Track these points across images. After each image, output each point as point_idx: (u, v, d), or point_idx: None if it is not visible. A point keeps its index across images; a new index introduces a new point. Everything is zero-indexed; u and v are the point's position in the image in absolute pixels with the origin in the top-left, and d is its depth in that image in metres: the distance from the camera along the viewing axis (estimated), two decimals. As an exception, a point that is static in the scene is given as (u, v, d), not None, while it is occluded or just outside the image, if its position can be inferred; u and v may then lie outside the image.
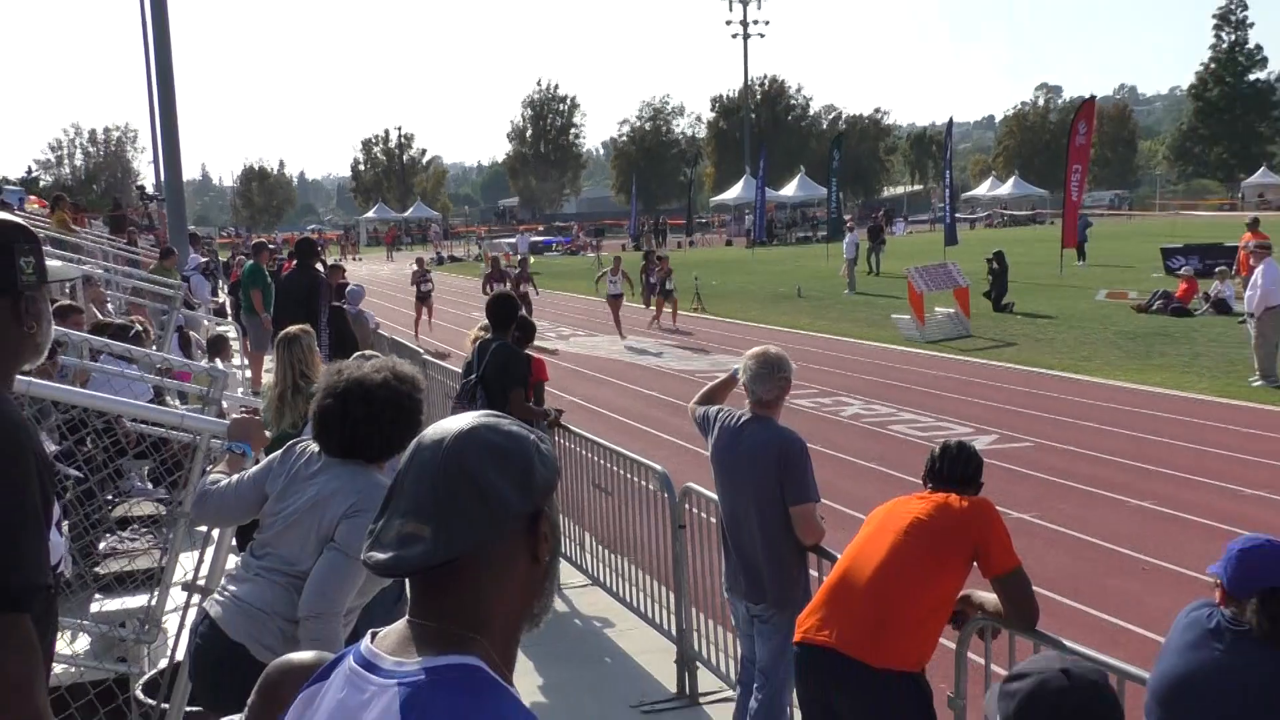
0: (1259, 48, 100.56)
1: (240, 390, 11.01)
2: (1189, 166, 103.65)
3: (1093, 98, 40.87)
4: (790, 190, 79.29)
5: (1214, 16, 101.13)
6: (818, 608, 4.33)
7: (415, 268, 27.11)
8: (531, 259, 28.68)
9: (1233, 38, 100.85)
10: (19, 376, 3.74)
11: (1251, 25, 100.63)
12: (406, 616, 1.60)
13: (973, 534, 4.19)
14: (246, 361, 16.16)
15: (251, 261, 17.18)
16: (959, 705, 4.59)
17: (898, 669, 4.10)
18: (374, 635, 1.61)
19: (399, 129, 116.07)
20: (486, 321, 8.60)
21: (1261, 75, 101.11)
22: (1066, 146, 35.68)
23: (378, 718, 1.48)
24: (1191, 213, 72.92)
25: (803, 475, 5.13)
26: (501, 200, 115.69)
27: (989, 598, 4.37)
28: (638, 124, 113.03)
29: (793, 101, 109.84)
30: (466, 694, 1.48)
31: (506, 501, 1.55)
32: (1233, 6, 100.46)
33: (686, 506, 6.68)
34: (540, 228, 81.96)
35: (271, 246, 25.06)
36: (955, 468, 4.41)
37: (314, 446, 3.90)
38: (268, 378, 8.40)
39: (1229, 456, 12.11)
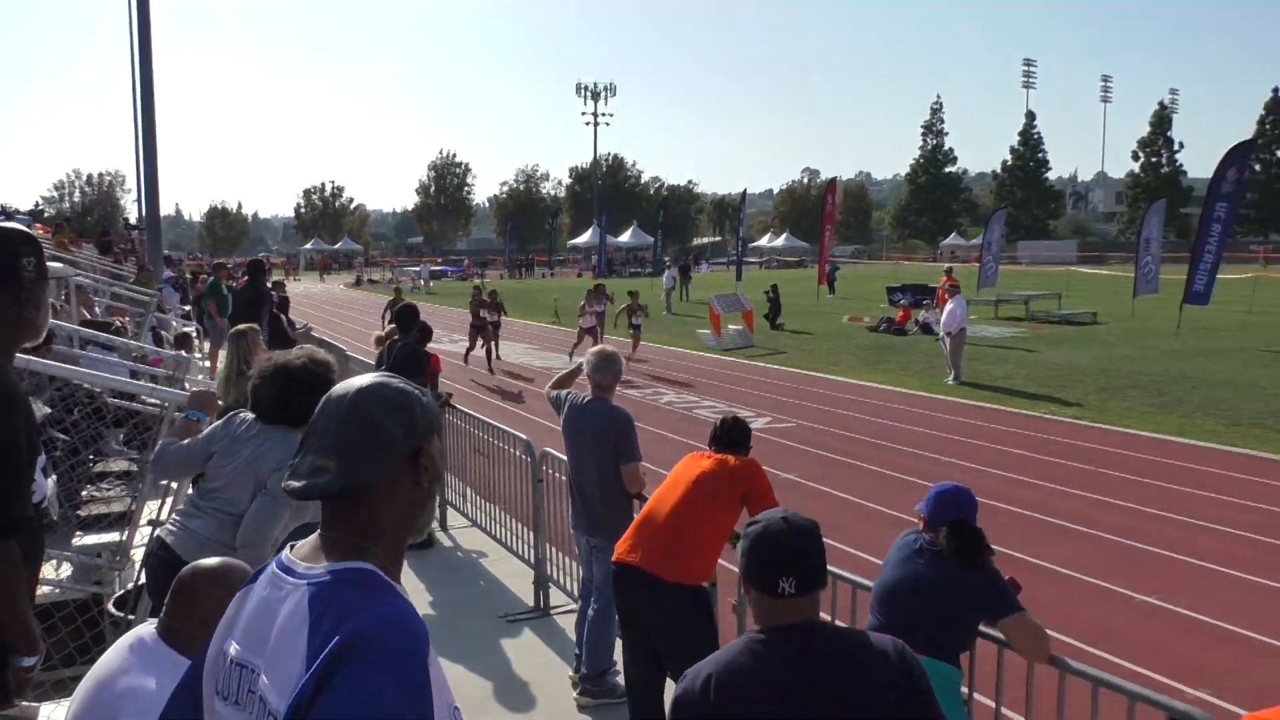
0: (951, 150, 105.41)
1: (200, 376, 10.46)
2: (906, 230, 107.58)
3: (835, 179, 42.10)
4: (626, 237, 79.79)
5: (922, 126, 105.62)
6: (629, 536, 4.32)
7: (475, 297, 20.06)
8: (489, 286, 26.49)
9: (934, 142, 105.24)
10: (21, 355, 3.55)
11: (946, 134, 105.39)
12: (318, 531, 1.54)
13: (741, 485, 4.25)
14: (207, 354, 15.43)
15: (213, 278, 16.44)
16: (741, 610, 4.58)
17: (686, 582, 4.12)
18: (292, 546, 1.58)
19: (332, 182, 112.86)
20: (394, 325, 8.44)
21: (953, 169, 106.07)
22: (821, 212, 36.58)
23: (291, 609, 1.45)
24: (907, 263, 75.82)
25: (630, 441, 5.12)
26: (410, 238, 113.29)
27: None
28: (514, 185, 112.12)
29: (629, 173, 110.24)
30: (360, 590, 1.44)
31: (395, 440, 1.52)
32: (934, 120, 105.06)
33: (544, 467, 6.58)
34: (439, 260, 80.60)
35: (229, 266, 23.89)
36: (731, 435, 4.46)
37: (250, 415, 3.77)
38: (221, 366, 8.09)
39: (928, 432, 12.49)
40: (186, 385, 6.84)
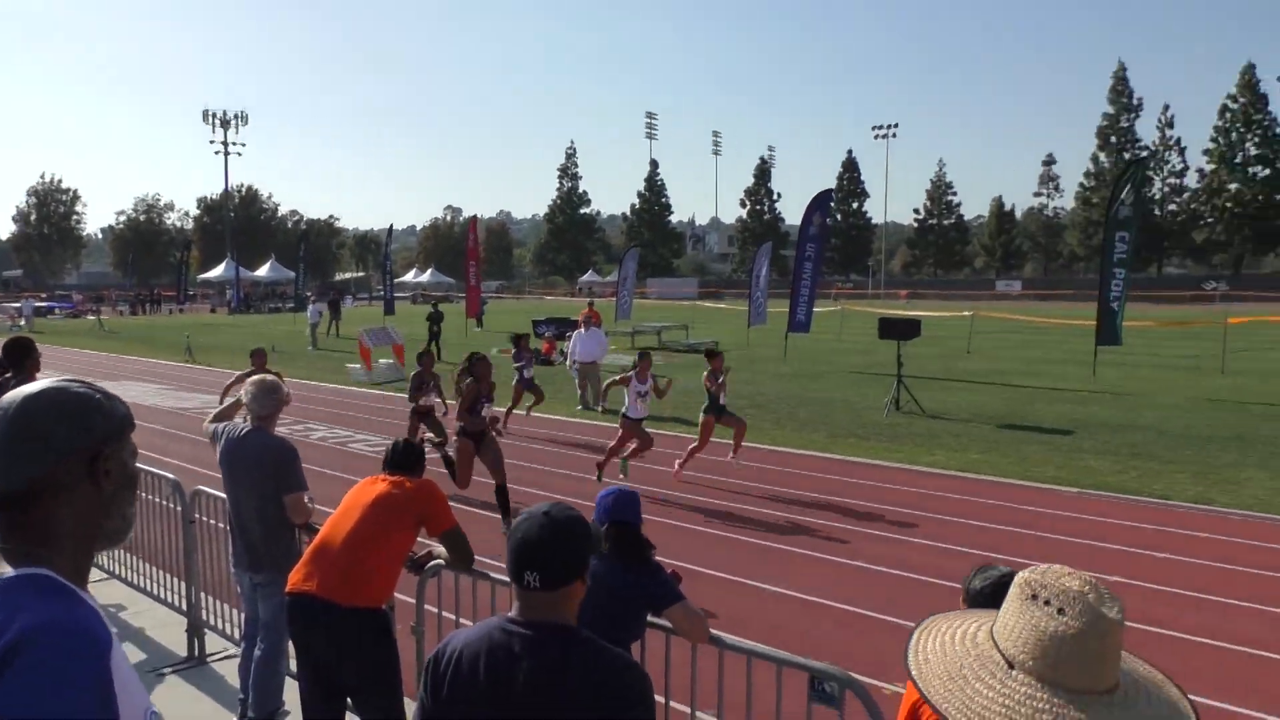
0: (585, 192, 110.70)
1: None
2: (546, 267, 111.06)
3: (475, 217, 42.57)
4: (263, 271, 75.50)
5: (558, 170, 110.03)
6: (304, 565, 4.15)
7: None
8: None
9: (570, 185, 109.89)
10: None
11: (580, 177, 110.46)
12: None
13: (415, 507, 4.23)
14: None
15: None
16: (419, 632, 4.54)
17: (365, 606, 4.02)
18: None
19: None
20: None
21: (588, 210, 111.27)
22: (465, 248, 36.82)
23: None
24: (549, 297, 78.18)
25: (293, 470, 4.91)
26: (5, 271, 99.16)
27: (440, 549, 4.41)
28: (134, 215, 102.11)
29: (264, 205, 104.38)
30: (33, 594, 1.39)
31: (62, 444, 1.47)
32: (569, 164, 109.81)
33: (195, 511, 6.10)
34: (44, 295, 71.21)
35: None
36: (403, 458, 4.43)
37: None
38: None
39: (566, 453, 13.02)
40: None
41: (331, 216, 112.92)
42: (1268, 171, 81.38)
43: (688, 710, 3.78)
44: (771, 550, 8.54)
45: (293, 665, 4.48)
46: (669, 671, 3.78)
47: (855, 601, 7.15)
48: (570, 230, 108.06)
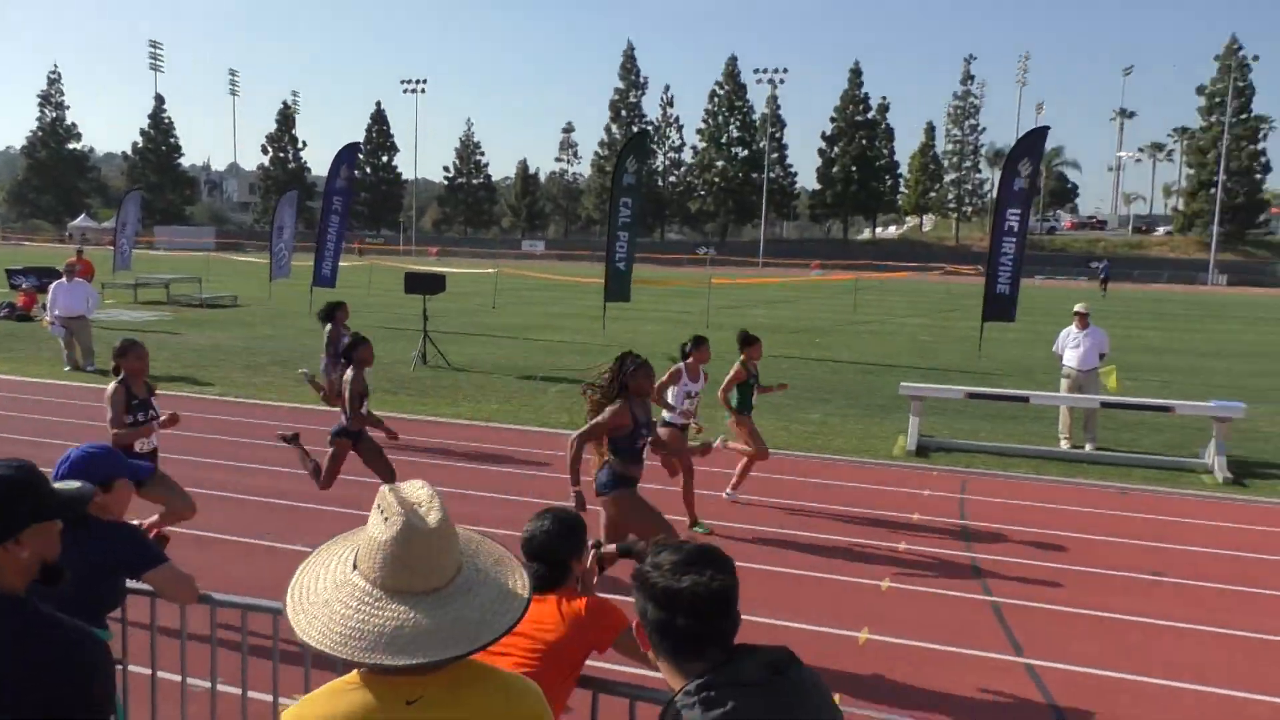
0: (74, 125, 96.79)
1: None
2: (26, 209, 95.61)
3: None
4: None
5: (38, 95, 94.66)
6: None
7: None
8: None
9: (55, 115, 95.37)
10: None
11: (68, 107, 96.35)
12: None
13: None
14: None
15: None
16: None
17: None
18: None
19: None
20: None
21: (78, 146, 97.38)
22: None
23: None
24: (30, 243, 67.61)
25: None
26: None
27: None
28: None
29: None
30: None
31: None
32: (52, 91, 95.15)
33: None
34: None
35: None
36: None
37: None
38: None
39: (53, 420, 11.54)
40: None
41: None
42: (746, 152, 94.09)
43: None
44: (276, 507, 8.28)
45: None
46: (154, 643, 3.54)
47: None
48: (56, 167, 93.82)
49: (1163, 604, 6.56)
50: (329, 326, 11.26)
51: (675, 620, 1.89)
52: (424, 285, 17.71)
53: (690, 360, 8.37)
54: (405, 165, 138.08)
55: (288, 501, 8.51)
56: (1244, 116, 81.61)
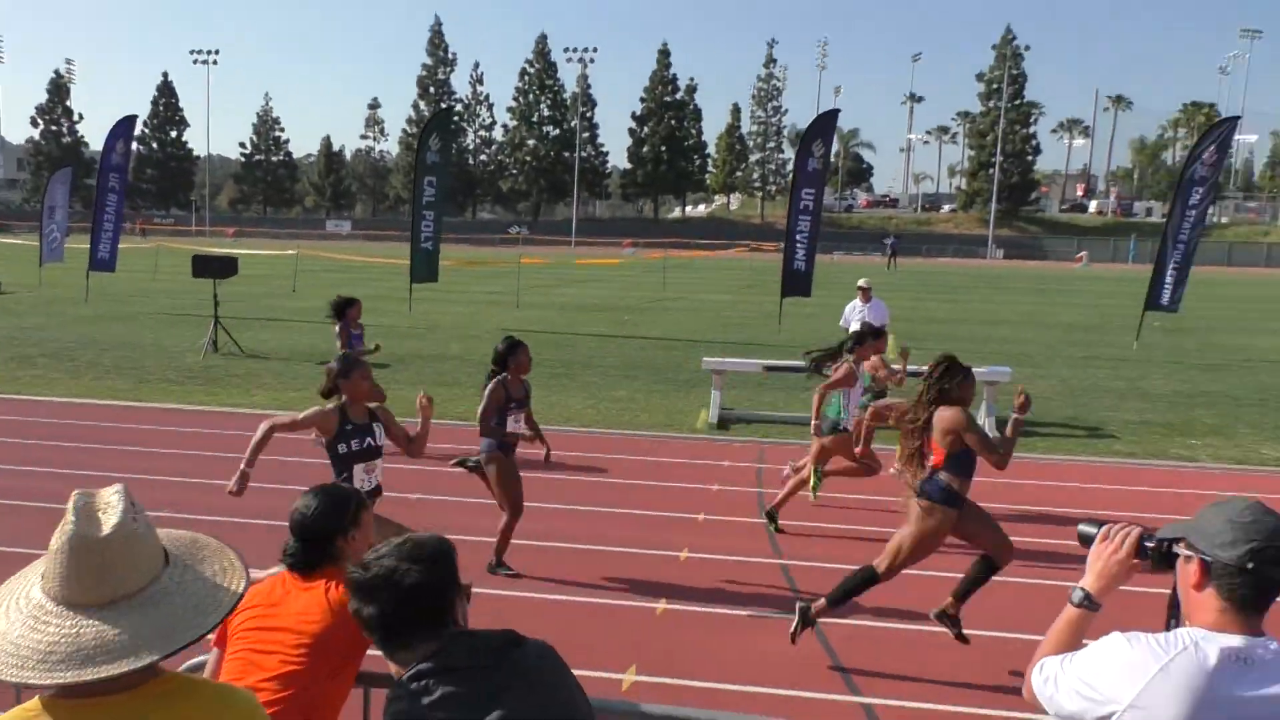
0: None
1: None
2: None
3: None
4: None
5: None
6: None
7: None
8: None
9: None
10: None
11: None
12: None
13: None
14: None
15: None
16: None
17: None
18: None
19: None
20: None
21: None
22: None
23: None
24: None
25: None
26: None
27: None
28: None
29: None
30: None
31: None
32: None
33: None
34: None
35: None
36: None
37: None
38: None
39: None
40: None
41: None
42: (558, 131, 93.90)
43: None
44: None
45: None
46: None
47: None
48: None
49: (936, 556, 7.03)
50: (339, 325, 10.00)
51: (376, 613, 1.94)
52: (213, 268, 16.76)
53: (866, 352, 7.96)
54: (197, 141, 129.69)
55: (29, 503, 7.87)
56: (1018, 102, 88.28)
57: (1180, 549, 1.96)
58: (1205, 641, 1.84)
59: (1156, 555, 2.03)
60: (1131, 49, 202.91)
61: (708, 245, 64.50)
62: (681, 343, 19.20)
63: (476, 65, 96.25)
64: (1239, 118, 28.40)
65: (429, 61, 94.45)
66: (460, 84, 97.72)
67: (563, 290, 32.59)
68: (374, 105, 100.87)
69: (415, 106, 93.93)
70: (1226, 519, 1.91)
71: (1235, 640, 1.83)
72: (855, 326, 12.61)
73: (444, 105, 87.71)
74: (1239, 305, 33.79)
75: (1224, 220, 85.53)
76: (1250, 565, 1.83)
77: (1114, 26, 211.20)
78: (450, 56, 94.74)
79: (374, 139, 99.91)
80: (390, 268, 36.12)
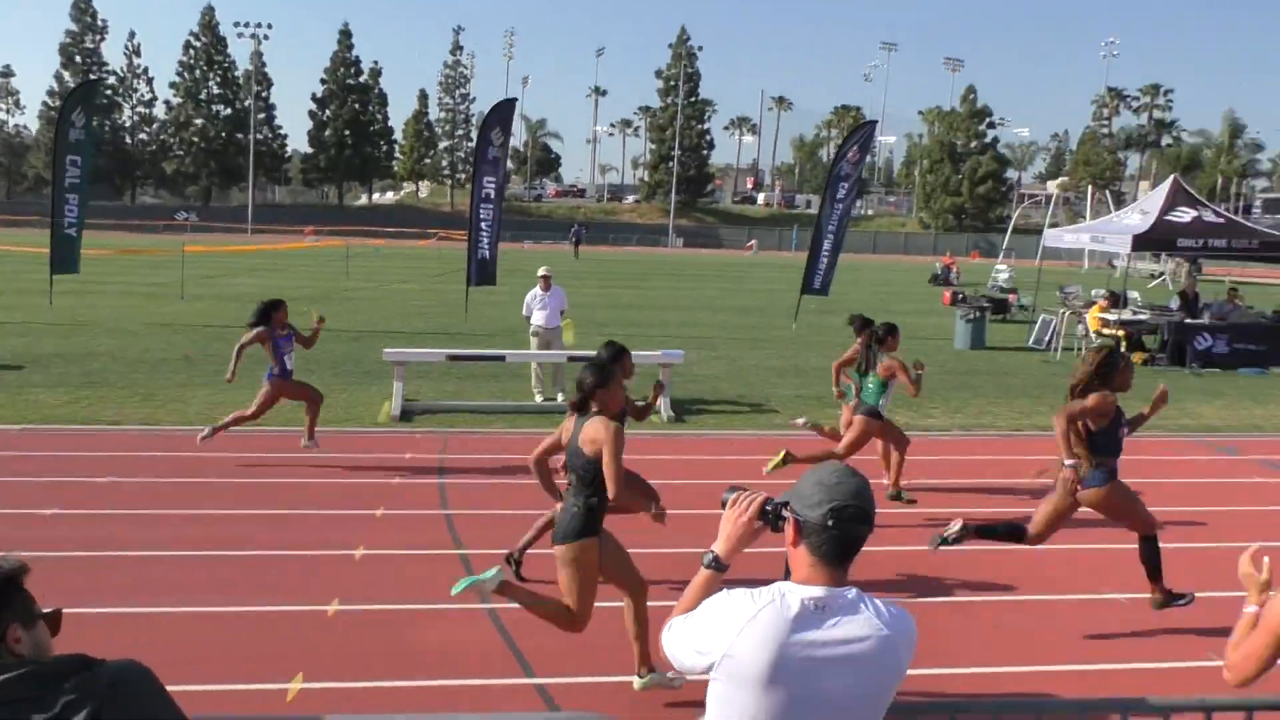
0: None
1: None
2: None
3: None
4: None
5: None
6: None
7: None
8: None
9: None
10: None
11: None
12: None
13: None
14: None
15: None
16: None
17: None
18: None
19: None
20: None
21: None
22: None
23: None
24: None
25: None
26: None
27: None
28: None
29: None
30: None
31: None
32: None
33: None
34: None
35: None
36: None
37: None
38: None
39: None
40: None
41: None
42: (229, 110, 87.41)
43: None
44: None
45: None
46: None
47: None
48: None
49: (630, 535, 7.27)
50: (259, 330, 8.70)
51: None
52: None
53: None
54: None
55: None
56: (693, 100, 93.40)
57: (786, 512, 2.13)
58: (790, 593, 2.01)
59: (771, 518, 2.20)
60: (792, 54, 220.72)
61: (396, 233, 62.86)
62: (365, 334, 18.55)
63: (133, 35, 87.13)
64: (876, 122, 31.82)
65: (74, 28, 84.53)
66: (114, 55, 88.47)
67: (235, 280, 30.45)
68: (6, 74, 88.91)
69: (58, 78, 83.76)
70: (816, 481, 2.10)
71: (818, 591, 2.01)
72: (537, 314, 12.79)
73: (92, 77, 78.92)
74: (880, 289, 37.83)
75: (870, 212, 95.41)
76: (830, 523, 2.02)
77: (777, 32, 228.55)
78: (100, 23, 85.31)
79: (7, 112, 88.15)
80: (26, 256, 32.05)
